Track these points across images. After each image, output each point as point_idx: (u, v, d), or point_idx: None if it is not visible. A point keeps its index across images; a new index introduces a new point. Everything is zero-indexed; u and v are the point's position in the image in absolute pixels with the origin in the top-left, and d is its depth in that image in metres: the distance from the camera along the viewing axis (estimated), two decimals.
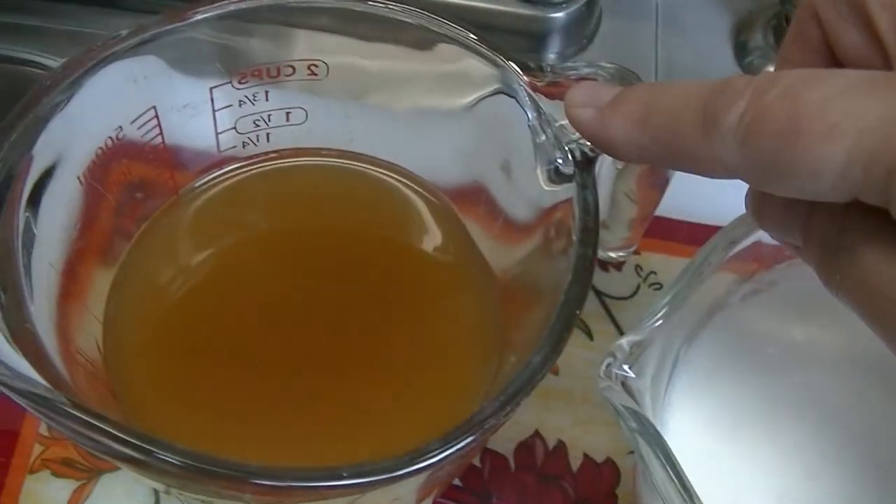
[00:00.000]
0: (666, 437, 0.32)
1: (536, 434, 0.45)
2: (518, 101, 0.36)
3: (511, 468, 0.44)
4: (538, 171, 0.36)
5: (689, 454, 0.35)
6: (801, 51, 0.31)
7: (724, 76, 0.27)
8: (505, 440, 0.45)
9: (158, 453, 0.27)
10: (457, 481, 0.44)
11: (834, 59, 0.30)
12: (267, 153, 0.43)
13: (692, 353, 0.38)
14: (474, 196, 0.41)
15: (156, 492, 0.42)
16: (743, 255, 0.37)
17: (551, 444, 0.45)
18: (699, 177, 0.28)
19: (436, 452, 0.27)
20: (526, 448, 0.45)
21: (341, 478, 0.27)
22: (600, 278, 0.49)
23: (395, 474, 0.27)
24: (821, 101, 0.24)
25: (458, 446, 0.28)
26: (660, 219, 0.46)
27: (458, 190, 0.43)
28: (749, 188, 0.30)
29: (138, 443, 0.27)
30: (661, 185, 0.39)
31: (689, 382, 0.38)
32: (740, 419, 0.37)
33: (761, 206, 0.29)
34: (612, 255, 0.44)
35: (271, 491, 0.27)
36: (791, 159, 0.24)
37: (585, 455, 0.45)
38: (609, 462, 0.44)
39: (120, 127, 0.37)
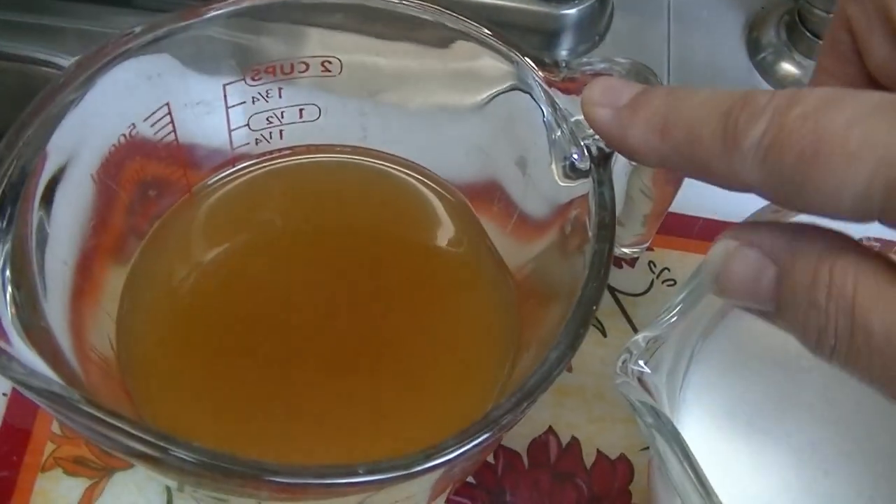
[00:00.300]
0: (681, 433, 0.31)
1: (550, 431, 0.45)
2: (533, 97, 0.36)
3: (525, 465, 0.44)
4: (554, 167, 0.35)
5: (705, 450, 0.35)
6: (834, 61, 0.31)
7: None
8: (519, 437, 0.45)
9: (174, 451, 0.27)
10: (470, 478, 0.43)
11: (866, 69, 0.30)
12: (280, 150, 0.43)
13: (707, 350, 0.38)
14: (489, 193, 0.41)
15: (168, 490, 0.42)
16: None
17: (565, 440, 0.45)
18: None
19: (451, 449, 0.27)
20: (540, 445, 0.45)
21: (357, 475, 0.26)
22: (614, 274, 0.49)
23: (410, 471, 0.27)
24: (842, 126, 0.23)
25: (474, 443, 0.28)
26: (673, 215, 0.46)
27: (473, 186, 0.42)
28: (705, 258, 0.29)
29: (154, 440, 0.27)
30: (677, 182, 0.39)
31: (705, 379, 0.38)
32: (756, 415, 0.37)
33: (724, 272, 0.29)
34: (626, 251, 0.44)
35: (287, 488, 0.27)
36: (811, 181, 0.24)
37: (599, 452, 0.45)
38: (623, 458, 0.44)
39: (133, 124, 0.37)
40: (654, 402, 0.32)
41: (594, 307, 0.31)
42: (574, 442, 0.45)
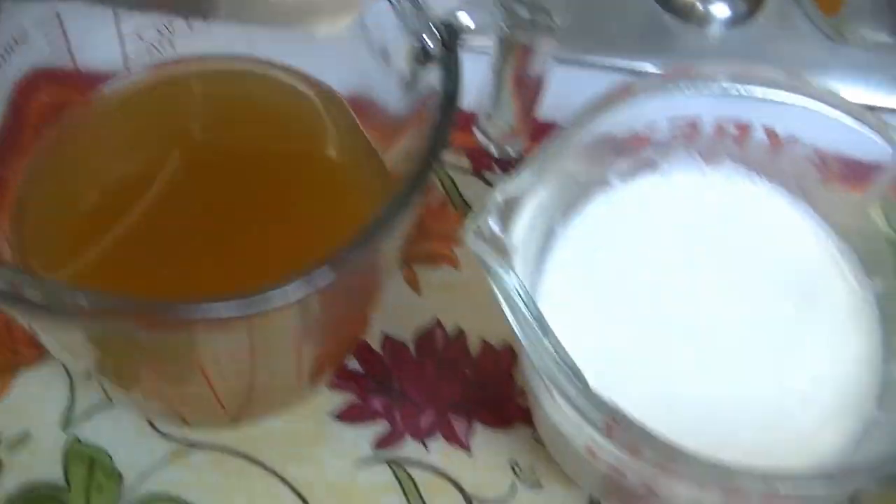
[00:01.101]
0: (539, 302, 0.33)
1: (437, 324, 0.47)
2: None
3: (412, 355, 0.46)
4: (408, 53, 0.37)
5: (565, 327, 0.34)
6: None
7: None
8: (405, 329, 0.46)
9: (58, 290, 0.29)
10: (357, 366, 0.45)
11: None
12: (173, 60, 0.45)
13: (571, 228, 0.40)
14: (365, 102, 0.43)
15: (71, 383, 0.44)
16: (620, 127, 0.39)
17: (451, 332, 0.46)
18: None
19: (292, 285, 0.29)
20: (427, 336, 0.46)
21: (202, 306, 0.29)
22: (498, 178, 0.51)
23: (256, 298, 0.29)
24: None
25: (318, 279, 0.30)
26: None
27: (351, 98, 0.45)
28: None
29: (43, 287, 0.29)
30: (535, 87, 0.41)
31: (567, 257, 0.39)
32: (618, 296, 0.39)
33: None
34: (509, 150, 0.44)
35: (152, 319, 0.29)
36: None
37: (484, 341, 0.46)
38: (506, 345, 0.46)
39: (25, 31, 0.39)
40: (503, 258, 0.33)
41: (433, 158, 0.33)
42: (460, 333, 0.46)
